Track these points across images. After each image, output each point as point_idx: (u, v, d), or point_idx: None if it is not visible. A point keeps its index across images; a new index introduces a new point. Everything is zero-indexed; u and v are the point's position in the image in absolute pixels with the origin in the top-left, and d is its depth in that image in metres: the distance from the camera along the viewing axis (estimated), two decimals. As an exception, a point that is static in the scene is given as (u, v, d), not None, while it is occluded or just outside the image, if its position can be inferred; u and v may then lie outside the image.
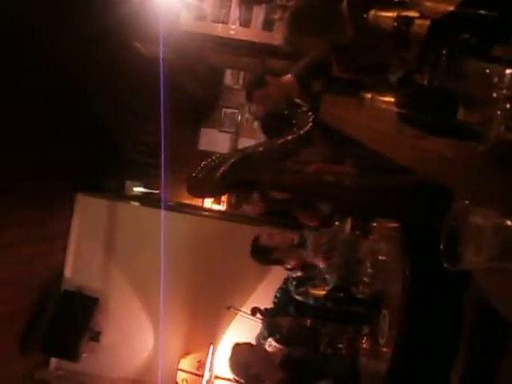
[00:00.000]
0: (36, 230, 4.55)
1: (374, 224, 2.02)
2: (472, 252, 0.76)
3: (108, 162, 5.23)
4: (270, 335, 3.20)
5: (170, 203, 5.06)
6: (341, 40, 2.38)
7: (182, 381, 4.61)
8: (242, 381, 2.88)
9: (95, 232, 5.02)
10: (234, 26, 5.06)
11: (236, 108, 6.27)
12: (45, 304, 4.75)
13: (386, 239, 1.86)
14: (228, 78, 6.32)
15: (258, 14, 5.07)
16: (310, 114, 2.48)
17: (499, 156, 0.87)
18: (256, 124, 5.84)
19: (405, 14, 1.22)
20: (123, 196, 5.30)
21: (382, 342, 1.68)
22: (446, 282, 1.27)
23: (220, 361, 4.59)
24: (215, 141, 6.13)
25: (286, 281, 3.41)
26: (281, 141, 2.29)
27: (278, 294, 3.51)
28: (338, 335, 2.31)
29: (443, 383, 1.36)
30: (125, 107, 5.06)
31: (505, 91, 0.83)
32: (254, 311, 3.76)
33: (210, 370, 4.62)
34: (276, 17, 5.00)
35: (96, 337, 4.84)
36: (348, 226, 2.42)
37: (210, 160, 2.05)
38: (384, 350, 1.66)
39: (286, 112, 2.93)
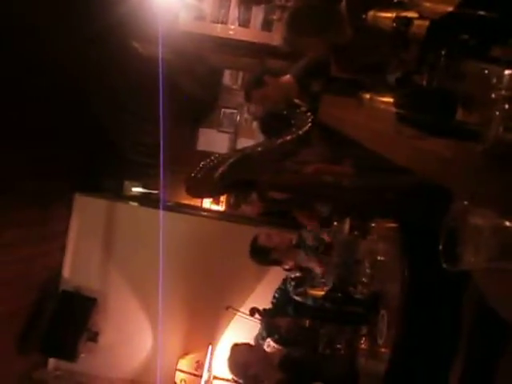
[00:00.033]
0: (36, 229, 4.55)
1: (373, 224, 2.02)
2: (471, 252, 0.76)
3: (107, 162, 5.23)
4: (269, 335, 3.20)
5: (169, 203, 5.06)
6: (340, 40, 2.38)
7: (181, 381, 4.61)
8: (240, 381, 2.88)
9: (93, 232, 5.01)
10: (233, 27, 5.06)
11: (235, 108, 6.27)
12: (43, 304, 4.75)
13: (385, 239, 1.86)
14: (227, 78, 6.32)
15: (257, 14, 5.07)
16: (308, 114, 2.48)
17: (498, 156, 0.87)
18: (255, 124, 5.84)
19: (404, 14, 1.22)
20: (122, 196, 5.30)
21: (380, 342, 1.68)
22: (445, 282, 1.27)
23: (219, 361, 4.59)
24: (214, 141, 6.13)
25: (285, 281, 3.41)
26: (280, 141, 2.29)
27: (276, 295, 3.51)
28: (336, 335, 2.31)
29: (442, 384, 1.36)
30: (123, 107, 5.06)
31: (503, 92, 0.83)
32: (253, 311, 3.76)
33: (209, 370, 4.62)
34: (275, 17, 5.01)
35: (94, 337, 4.84)
36: (346, 226, 2.42)
37: (208, 160, 2.05)
38: (382, 350, 1.66)
39: (285, 112, 2.94)
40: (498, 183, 0.92)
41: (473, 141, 0.89)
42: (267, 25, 5.05)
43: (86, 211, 5.05)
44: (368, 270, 1.94)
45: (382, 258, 1.86)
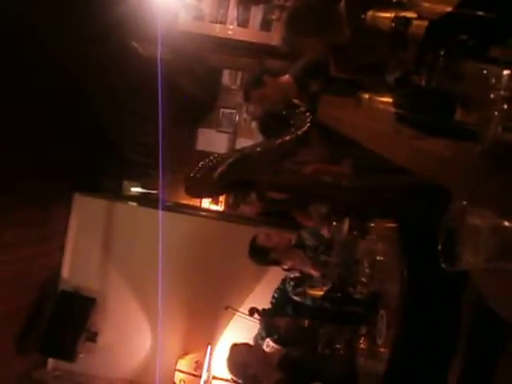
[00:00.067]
0: (35, 229, 4.55)
1: (372, 224, 2.02)
2: (469, 252, 0.76)
3: (106, 162, 5.22)
4: (268, 335, 3.20)
5: (168, 203, 5.06)
6: (338, 40, 2.38)
7: (180, 381, 4.61)
8: (239, 381, 2.88)
9: (92, 232, 5.01)
10: (231, 27, 5.06)
11: (234, 108, 6.28)
12: (42, 304, 4.75)
13: (384, 239, 1.86)
14: (226, 78, 6.33)
15: (256, 14, 5.07)
16: (307, 114, 2.48)
17: (496, 157, 0.87)
18: (254, 124, 5.85)
19: (403, 14, 1.22)
20: (121, 196, 5.30)
21: (379, 342, 1.68)
22: (444, 282, 1.27)
23: (218, 361, 4.59)
24: (213, 141, 6.13)
25: (284, 281, 3.41)
26: (279, 141, 2.29)
27: (275, 295, 3.51)
28: (335, 335, 2.31)
29: None
30: (123, 107, 5.06)
31: (502, 92, 0.83)
32: (252, 311, 3.76)
33: (208, 370, 4.62)
34: (274, 17, 5.00)
35: (93, 337, 4.84)
36: (346, 226, 2.42)
37: (207, 160, 2.06)
38: (382, 350, 1.66)
39: (284, 112, 2.94)
40: (497, 183, 0.92)
41: (472, 141, 0.89)
42: (266, 25, 5.05)
43: (85, 211, 5.04)
44: (367, 270, 1.94)
45: (381, 258, 1.86)
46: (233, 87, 6.28)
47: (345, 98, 1.84)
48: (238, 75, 6.23)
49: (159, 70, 4.33)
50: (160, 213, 4.66)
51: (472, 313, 1.24)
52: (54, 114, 4.34)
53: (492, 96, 0.84)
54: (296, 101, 3.00)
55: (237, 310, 4.53)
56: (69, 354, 4.68)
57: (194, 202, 5.57)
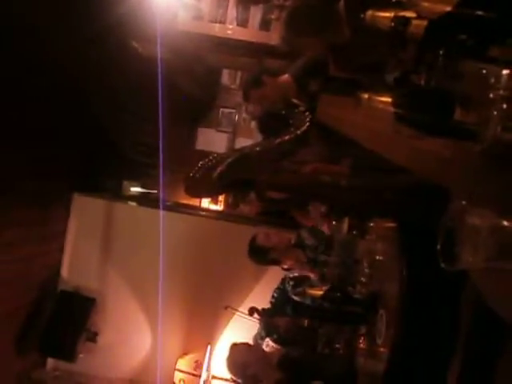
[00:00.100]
0: (35, 229, 4.55)
1: (371, 224, 2.02)
2: (469, 252, 0.76)
3: (106, 161, 5.22)
4: (268, 335, 3.20)
5: (168, 203, 5.06)
6: (338, 40, 2.38)
7: (180, 381, 4.61)
8: (239, 381, 2.88)
9: (92, 232, 5.01)
10: (231, 26, 5.06)
11: (233, 108, 6.28)
12: (42, 304, 4.75)
13: (383, 239, 1.86)
14: (225, 77, 6.33)
15: (255, 13, 5.07)
16: (307, 113, 2.49)
17: (496, 156, 0.87)
18: (253, 124, 5.85)
19: (402, 14, 1.22)
20: (120, 196, 5.30)
21: (379, 342, 1.68)
22: (443, 282, 1.27)
23: (217, 361, 4.59)
24: (212, 140, 6.13)
25: (284, 281, 3.41)
26: (278, 141, 2.29)
27: (275, 294, 3.51)
28: (335, 335, 2.31)
29: (440, 383, 1.36)
30: (123, 107, 5.06)
31: (501, 92, 0.83)
32: (252, 311, 3.76)
33: (208, 370, 4.62)
34: (273, 17, 5.01)
35: (93, 337, 4.83)
36: (345, 225, 2.42)
37: (207, 160, 2.06)
38: (381, 350, 1.66)
39: (283, 112, 2.94)
40: (496, 183, 0.92)
41: (471, 140, 0.89)
42: (265, 24, 5.05)
43: (85, 211, 5.04)
44: (367, 270, 1.94)
45: (381, 258, 1.86)
46: (232, 87, 6.28)
47: (344, 98, 1.84)
48: (238, 75, 6.23)
49: (159, 69, 4.33)
50: (160, 212, 4.66)
51: (471, 312, 1.24)
52: (54, 114, 4.34)
53: (491, 95, 0.84)
54: (295, 100, 3.00)
55: (236, 310, 4.53)
56: (68, 354, 4.68)
57: (194, 201, 5.57)
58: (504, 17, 0.98)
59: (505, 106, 0.82)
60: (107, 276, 4.98)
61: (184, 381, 4.60)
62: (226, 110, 6.28)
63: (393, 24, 1.23)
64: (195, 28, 5.03)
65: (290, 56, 3.27)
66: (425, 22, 1.14)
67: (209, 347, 4.67)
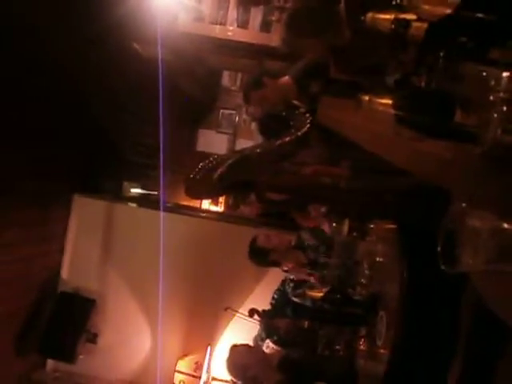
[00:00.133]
0: (35, 230, 4.55)
1: (372, 226, 2.02)
2: (469, 254, 0.76)
3: (106, 162, 5.22)
4: (268, 337, 3.20)
5: (168, 204, 5.06)
6: (338, 42, 2.38)
7: (180, 382, 4.60)
8: (239, 382, 2.87)
9: (92, 233, 5.01)
10: (231, 28, 5.06)
11: (234, 109, 6.29)
12: (42, 305, 4.74)
13: (384, 241, 1.86)
14: (226, 79, 6.33)
15: (256, 15, 5.07)
16: (307, 115, 2.49)
17: (496, 158, 0.87)
18: (254, 125, 5.86)
19: (402, 16, 1.22)
20: (121, 197, 5.30)
21: (379, 343, 1.68)
22: (444, 284, 1.28)
23: (217, 362, 4.59)
24: (213, 142, 6.14)
25: (284, 282, 3.41)
26: (278, 142, 2.29)
27: (275, 296, 3.51)
28: (335, 337, 2.31)
29: (440, 385, 1.36)
30: (123, 108, 5.06)
31: (501, 94, 0.83)
32: (252, 313, 3.76)
33: (208, 371, 4.62)
34: (274, 18, 5.01)
35: (93, 338, 4.83)
36: (345, 227, 2.42)
37: (207, 161, 2.05)
38: (381, 351, 1.66)
39: (284, 113, 2.94)
40: (497, 185, 0.92)
41: (471, 143, 0.89)
42: (266, 26, 5.05)
43: (85, 212, 5.04)
44: (367, 272, 1.94)
45: (381, 260, 1.86)
46: (233, 88, 6.29)
47: (345, 100, 1.84)
48: (238, 76, 6.23)
49: (159, 71, 4.33)
50: (160, 214, 4.66)
51: (471, 314, 1.24)
52: (54, 114, 4.35)
53: (491, 98, 0.84)
54: (296, 102, 3.00)
55: (236, 311, 4.53)
56: (68, 355, 4.68)
57: (194, 202, 5.57)
58: (504, 19, 0.98)
59: (505, 108, 0.82)
60: (107, 277, 4.98)
61: (184, 382, 4.60)
62: (227, 112, 6.29)
63: (393, 26, 1.23)
64: (196, 29, 5.04)
65: (290, 58, 3.27)
66: (425, 25, 1.15)
67: (209, 348, 4.66)
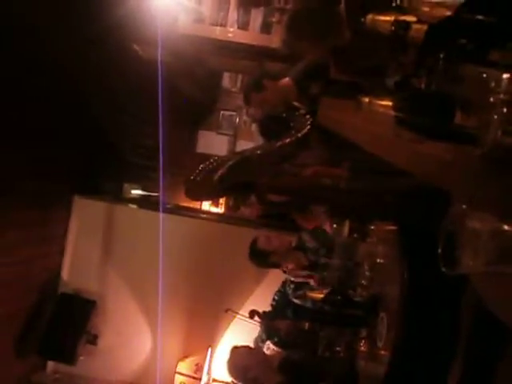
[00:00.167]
0: (35, 231, 4.55)
1: (372, 227, 2.02)
2: (469, 256, 0.76)
3: (106, 164, 5.23)
4: (268, 338, 3.20)
5: (168, 206, 5.06)
6: (339, 43, 2.39)
7: (180, 384, 4.61)
8: (239, 384, 2.87)
9: (93, 235, 5.01)
10: (232, 29, 5.06)
11: (234, 111, 6.29)
12: (42, 306, 4.74)
13: (384, 242, 1.86)
14: (226, 80, 6.34)
15: (256, 16, 5.08)
16: (307, 116, 2.48)
17: (496, 160, 0.87)
18: (254, 127, 5.86)
19: (402, 18, 1.22)
20: (121, 198, 5.30)
21: (379, 344, 1.68)
22: (444, 285, 1.27)
23: (218, 364, 4.59)
24: (213, 143, 6.14)
25: (284, 284, 3.41)
26: (279, 144, 2.29)
27: (276, 297, 3.51)
28: (335, 338, 2.31)
29: (441, 386, 1.36)
30: (123, 109, 5.06)
31: (502, 96, 0.83)
32: (252, 314, 3.75)
33: (208, 373, 4.62)
34: (274, 20, 5.01)
35: (93, 340, 4.83)
36: (346, 228, 2.42)
37: (207, 163, 2.05)
38: (382, 352, 1.66)
39: (284, 115, 2.94)
40: (497, 187, 0.92)
41: (471, 144, 0.89)
42: (266, 27, 5.06)
43: (86, 213, 5.05)
44: (367, 273, 1.94)
45: (382, 261, 1.86)
46: (233, 90, 6.29)
47: (345, 101, 1.84)
48: (238, 78, 6.24)
49: (159, 72, 4.33)
50: (160, 215, 4.66)
51: (472, 316, 1.24)
52: (54, 114, 4.35)
53: (491, 99, 0.84)
54: (296, 103, 3.01)
55: (237, 313, 4.53)
56: (69, 357, 4.68)
57: (195, 204, 5.57)
58: (504, 21, 0.98)
59: (505, 109, 0.82)
60: (107, 278, 4.98)
61: (184, 384, 4.60)
62: (227, 113, 6.29)
63: (393, 28, 1.23)
64: (196, 31, 5.04)
65: (290, 59, 3.28)
66: (425, 26, 1.15)
67: (209, 350, 4.66)
